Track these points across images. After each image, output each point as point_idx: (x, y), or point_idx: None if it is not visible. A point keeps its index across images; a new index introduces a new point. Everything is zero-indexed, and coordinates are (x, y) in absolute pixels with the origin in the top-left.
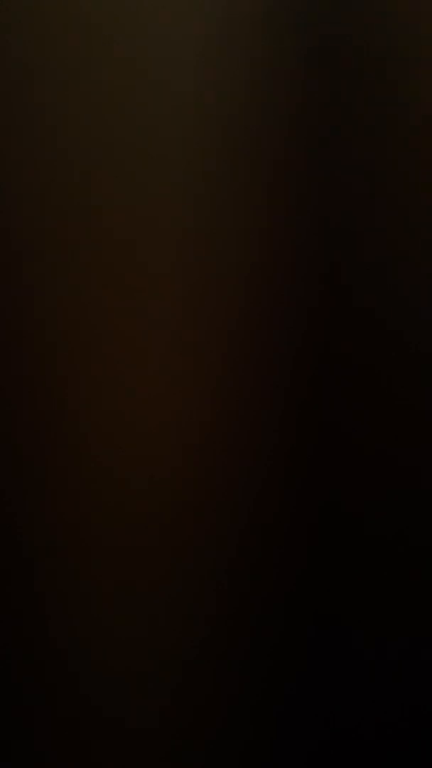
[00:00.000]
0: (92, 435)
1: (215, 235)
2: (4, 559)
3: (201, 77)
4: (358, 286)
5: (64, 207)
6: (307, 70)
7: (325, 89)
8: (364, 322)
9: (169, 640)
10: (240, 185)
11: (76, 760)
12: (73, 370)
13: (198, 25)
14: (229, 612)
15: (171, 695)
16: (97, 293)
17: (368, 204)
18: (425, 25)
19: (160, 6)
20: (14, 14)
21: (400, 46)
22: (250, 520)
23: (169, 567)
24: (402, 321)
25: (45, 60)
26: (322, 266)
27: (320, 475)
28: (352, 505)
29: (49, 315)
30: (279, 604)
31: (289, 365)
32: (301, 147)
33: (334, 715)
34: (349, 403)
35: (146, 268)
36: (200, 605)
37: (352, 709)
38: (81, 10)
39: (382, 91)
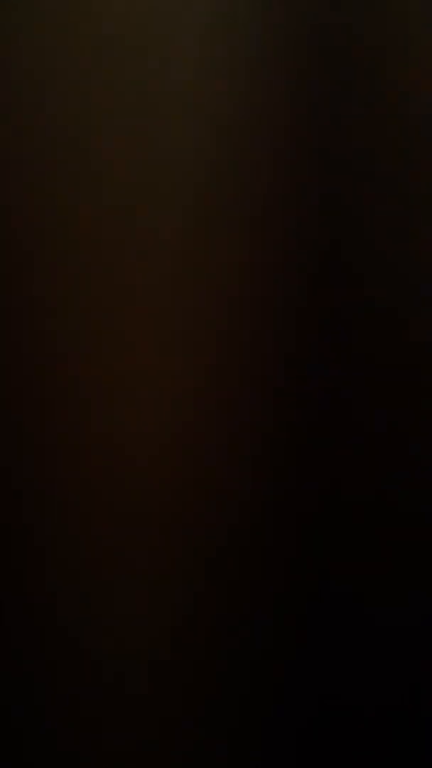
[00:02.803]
0: (89, 427)
1: (214, 228)
2: (3, 556)
3: (201, 76)
4: (358, 280)
5: (62, 202)
6: (307, 68)
7: (325, 87)
8: (363, 312)
9: (166, 621)
10: (239, 182)
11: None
12: (70, 363)
13: (196, 25)
14: (229, 594)
15: (166, 675)
16: (94, 287)
17: (369, 202)
18: (425, 25)
19: (159, 4)
20: (14, 11)
21: (400, 45)
22: (248, 506)
23: (167, 547)
24: (404, 313)
25: (44, 59)
26: (322, 260)
27: (319, 464)
28: (351, 496)
29: (47, 308)
30: (278, 587)
31: (288, 359)
32: (301, 143)
33: (332, 698)
34: (349, 394)
35: (145, 262)
36: (198, 585)
37: (350, 692)
38: (81, 9)
39: (382, 91)
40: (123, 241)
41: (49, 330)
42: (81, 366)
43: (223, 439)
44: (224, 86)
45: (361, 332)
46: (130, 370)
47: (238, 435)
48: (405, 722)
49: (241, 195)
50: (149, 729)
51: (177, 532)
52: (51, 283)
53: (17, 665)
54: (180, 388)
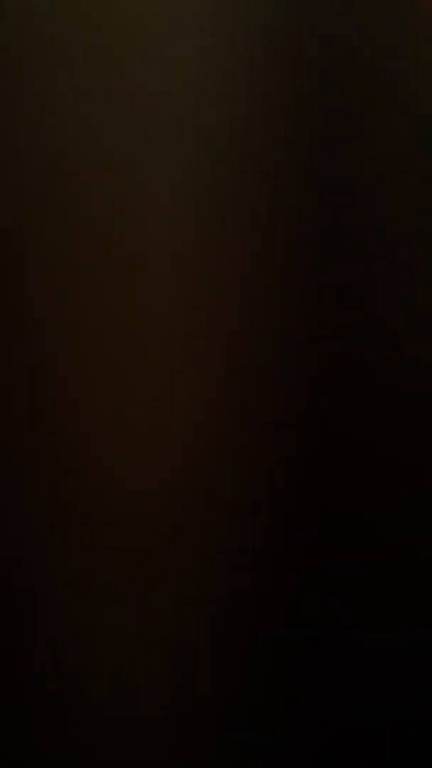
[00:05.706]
0: (91, 434)
1: (216, 233)
2: (3, 558)
3: (201, 78)
4: (359, 287)
5: (63, 206)
6: (308, 71)
7: (325, 89)
8: (364, 322)
9: (169, 637)
10: (240, 186)
11: (74, 751)
12: (72, 369)
13: (198, 28)
14: (229, 610)
15: (170, 693)
16: (95, 293)
17: (368, 203)
18: (425, 25)
19: (160, 7)
20: (15, 12)
21: (400, 46)
22: (250, 519)
23: (168, 563)
24: (403, 322)
25: (44, 61)
26: (323, 267)
27: (322, 474)
28: (354, 506)
29: (48, 314)
30: (279, 601)
31: (290, 366)
32: (302, 146)
33: (335, 714)
34: (351, 403)
35: (146, 267)
36: (200, 619)
37: (353, 707)
38: (82, 10)
39: (382, 93)
40: (121, 253)
41: (47, 354)
42: (79, 395)
43: (224, 464)
44: (224, 92)
45: (361, 350)
46: (128, 398)
47: (239, 462)
48: (407, 752)
49: (241, 208)
50: (149, 753)
51: (178, 561)
52: (50, 305)
53: (16, 702)
54: (180, 414)
